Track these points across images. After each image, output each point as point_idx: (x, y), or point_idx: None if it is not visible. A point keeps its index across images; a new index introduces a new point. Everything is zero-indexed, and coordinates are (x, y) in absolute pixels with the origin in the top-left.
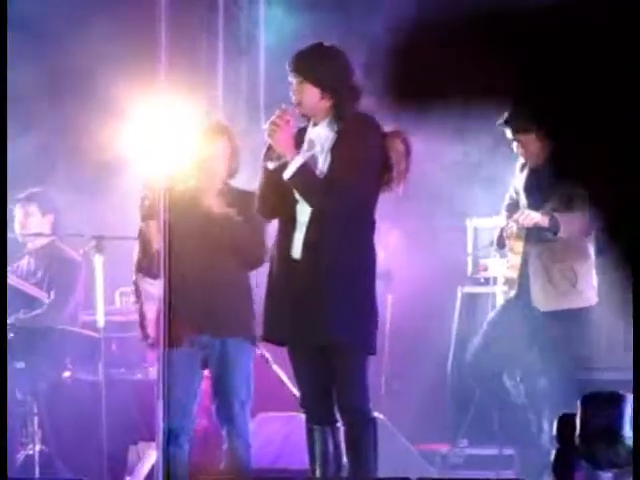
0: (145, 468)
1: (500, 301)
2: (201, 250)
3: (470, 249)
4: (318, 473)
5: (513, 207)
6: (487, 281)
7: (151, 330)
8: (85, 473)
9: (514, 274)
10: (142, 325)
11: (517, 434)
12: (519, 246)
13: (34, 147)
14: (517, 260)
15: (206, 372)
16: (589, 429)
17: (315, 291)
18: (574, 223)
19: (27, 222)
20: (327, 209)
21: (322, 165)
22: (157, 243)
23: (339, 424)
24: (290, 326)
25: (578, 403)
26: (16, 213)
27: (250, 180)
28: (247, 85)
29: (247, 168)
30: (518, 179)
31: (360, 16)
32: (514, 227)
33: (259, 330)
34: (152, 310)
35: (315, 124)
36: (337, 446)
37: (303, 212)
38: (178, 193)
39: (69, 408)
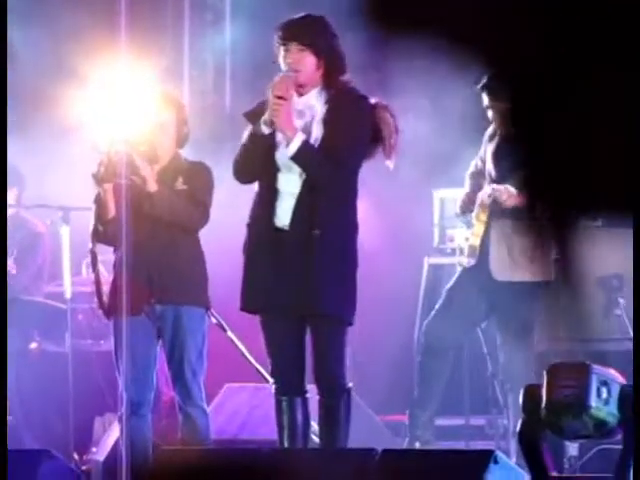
0: (111, 439)
1: (459, 268)
2: (145, 219)
3: (436, 220)
4: (286, 444)
5: (477, 175)
6: (453, 252)
7: (107, 299)
8: (51, 444)
9: (476, 242)
10: (99, 294)
11: (484, 404)
12: (484, 215)
13: None
14: (480, 228)
15: None
16: (555, 400)
17: (304, 262)
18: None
19: None
20: (325, 181)
21: (315, 136)
22: (114, 208)
23: (308, 395)
24: (272, 295)
25: (544, 373)
26: None
27: (215, 150)
28: (213, 56)
29: (213, 139)
30: (486, 148)
31: None
32: (485, 196)
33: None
34: (107, 278)
35: (301, 94)
36: (306, 417)
37: (289, 182)
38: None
39: (36, 379)
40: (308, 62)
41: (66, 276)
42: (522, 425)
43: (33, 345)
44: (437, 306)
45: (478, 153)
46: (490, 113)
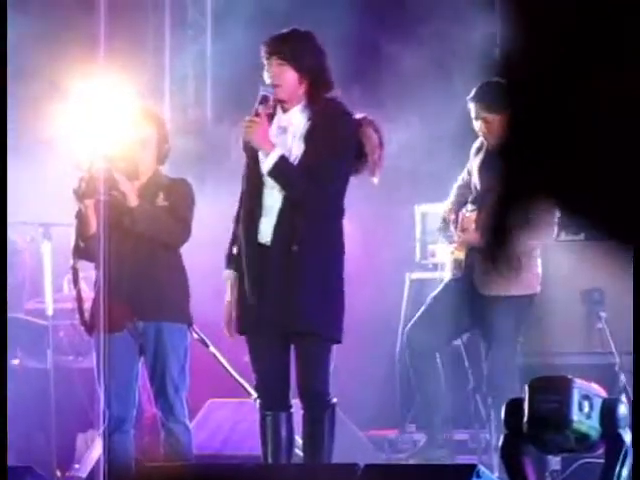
0: (93, 455)
1: (445, 280)
2: (126, 235)
3: (418, 235)
4: (270, 459)
5: (463, 188)
6: (435, 267)
7: (89, 316)
8: (33, 461)
9: (461, 255)
10: (80, 310)
11: (467, 418)
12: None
13: None
14: (459, 253)
15: None
16: (537, 414)
17: (285, 279)
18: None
19: None
20: (305, 197)
21: (295, 152)
22: (95, 224)
23: (293, 410)
24: (256, 312)
25: (525, 388)
26: None
27: (197, 165)
28: (194, 72)
29: (194, 153)
30: (473, 161)
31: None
32: (468, 210)
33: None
34: (89, 294)
35: (285, 110)
36: (290, 432)
37: (272, 197)
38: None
39: (18, 396)
40: (288, 77)
41: (47, 293)
42: (504, 439)
43: (15, 362)
44: (419, 312)
45: (466, 165)
46: (478, 124)
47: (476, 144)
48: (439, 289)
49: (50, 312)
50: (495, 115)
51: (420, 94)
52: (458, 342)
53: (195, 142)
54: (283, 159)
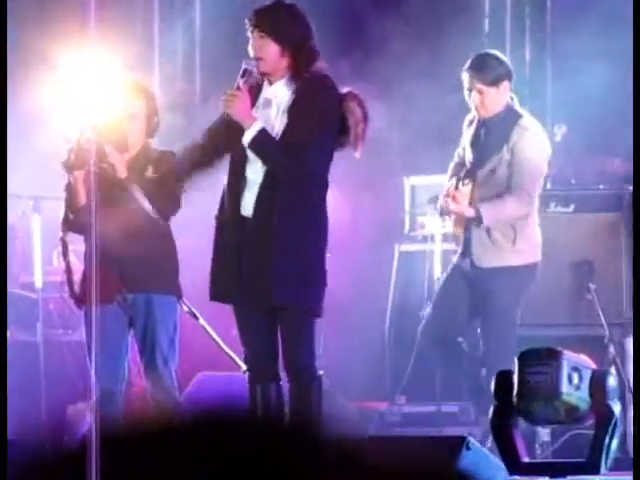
0: (82, 428)
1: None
2: (114, 209)
3: (407, 207)
4: None
5: (459, 166)
6: (424, 239)
7: (79, 288)
8: (24, 434)
9: (460, 231)
10: (70, 283)
11: (456, 391)
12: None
13: None
14: (457, 229)
15: None
16: (526, 386)
17: (263, 251)
18: (499, 213)
19: None
20: (286, 171)
21: (279, 125)
22: (84, 196)
23: (281, 382)
24: (238, 284)
25: (515, 360)
26: None
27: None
28: (183, 45)
29: (183, 126)
30: (465, 134)
31: None
32: (464, 184)
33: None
34: (79, 267)
35: (271, 82)
36: (280, 404)
37: (254, 170)
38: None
39: (8, 369)
40: (270, 50)
41: (37, 266)
42: (494, 411)
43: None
44: (431, 309)
45: (461, 141)
46: (472, 96)
47: (469, 117)
48: (446, 273)
49: (39, 285)
50: (489, 87)
51: (410, 69)
52: None
53: (183, 116)
54: (263, 132)
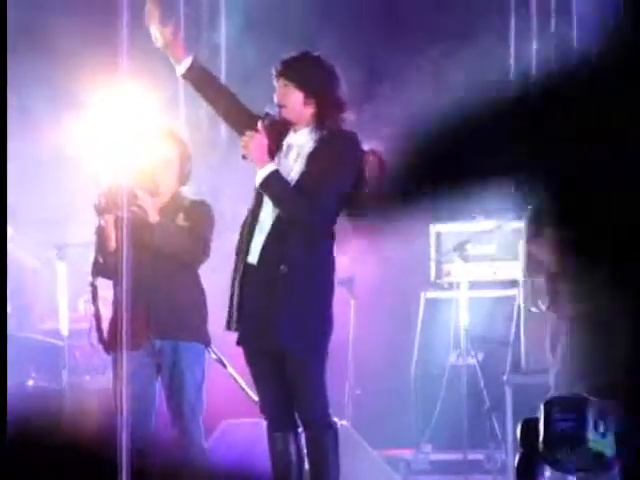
0: None
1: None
2: (145, 252)
3: (433, 254)
4: None
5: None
6: (450, 286)
7: (107, 334)
8: None
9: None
10: (98, 328)
11: (482, 439)
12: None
13: None
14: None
15: None
16: (552, 433)
17: (266, 297)
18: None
19: None
20: (295, 217)
21: (295, 171)
22: (114, 240)
23: (301, 429)
24: (245, 333)
25: (541, 407)
26: None
27: (211, 180)
28: None
29: (205, 170)
30: None
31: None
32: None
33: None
34: (105, 313)
35: (296, 131)
36: (299, 452)
37: (267, 215)
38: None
39: (33, 416)
40: (293, 97)
41: (63, 313)
42: (520, 459)
43: (30, 382)
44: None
45: None
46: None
47: None
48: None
49: (65, 332)
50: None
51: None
52: (474, 361)
53: (208, 161)
54: (275, 174)
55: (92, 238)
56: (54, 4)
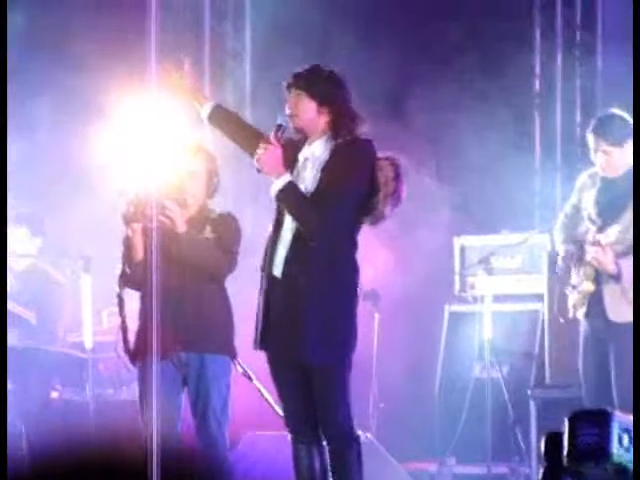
0: None
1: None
2: (172, 264)
3: (457, 267)
4: None
5: (569, 226)
6: (474, 299)
7: (133, 345)
8: None
9: (590, 287)
10: (125, 339)
11: (506, 452)
12: (592, 271)
13: (20, 156)
14: (592, 273)
15: None
16: (577, 447)
17: (291, 309)
18: (631, 270)
19: (14, 244)
20: (311, 227)
21: (311, 182)
22: (142, 250)
23: (325, 442)
24: (270, 344)
25: (565, 421)
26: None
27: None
28: (233, 102)
29: (231, 184)
30: (582, 193)
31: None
32: (600, 241)
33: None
34: (135, 325)
35: (311, 143)
36: (323, 465)
37: (287, 229)
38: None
39: (57, 429)
40: (305, 106)
41: (87, 326)
42: (544, 473)
43: (54, 395)
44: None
45: (570, 200)
46: (598, 157)
47: (581, 180)
48: (585, 342)
49: (89, 345)
50: (614, 147)
51: (462, 128)
52: (498, 375)
53: (232, 174)
54: (291, 185)
55: (117, 251)
56: (83, 17)
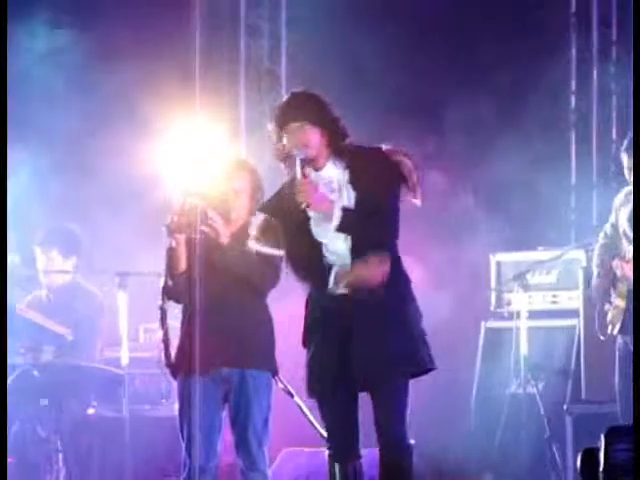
0: None
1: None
2: (215, 277)
3: (493, 283)
4: None
5: (607, 248)
6: (511, 316)
7: (174, 359)
8: None
9: (624, 304)
10: (166, 351)
11: (544, 468)
12: (624, 288)
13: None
14: (622, 301)
15: None
16: (612, 462)
17: (369, 324)
18: None
19: (49, 266)
20: (372, 240)
21: (347, 201)
22: (185, 261)
23: (362, 460)
24: (339, 366)
25: (601, 437)
26: (37, 256)
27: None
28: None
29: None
30: (618, 212)
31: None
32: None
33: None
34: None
35: (317, 169)
36: None
37: (334, 250)
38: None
39: (93, 445)
40: (312, 134)
41: (124, 343)
42: None
43: (91, 411)
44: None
45: (609, 219)
46: (632, 174)
47: (620, 197)
48: (620, 358)
49: (126, 361)
50: None
51: (495, 148)
52: (534, 391)
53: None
54: (346, 211)
55: (153, 266)
56: (133, 43)
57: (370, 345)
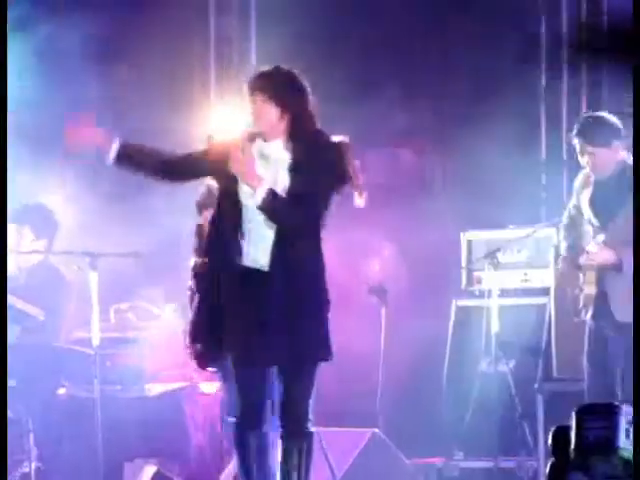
0: None
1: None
2: None
3: (464, 262)
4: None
5: (573, 226)
6: (481, 294)
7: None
8: None
9: (592, 290)
10: (192, 343)
11: (514, 446)
12: (592, 275)
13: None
14: (593, 276)
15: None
16: (584, 441)
17: (286, 307)
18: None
19: (21, 246)
20: (295, 226)
21: (282, 184)
22: None
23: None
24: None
25: (572, 415)
26: (10, 233)
27: None
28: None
29: None
30: (579, 195)
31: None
32: (598, 242)
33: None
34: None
35: (267, 140)
36: (270, 453)
37: (261, 227)
38: None
39: (65, 425)
40: (270, 113)
41: (94, 322)
42: (551, 467)
43: (61, 391)
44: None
45: (571, 201)
46: (585, 159)
47: (579, 180)
48: (590, 339)
49: (97, 342)
50: (600, 148)
51: (468, 126)
52: (505, 369)
53: None
54: (271, 192)
55: (124, 248)
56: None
57: (282, 329)
